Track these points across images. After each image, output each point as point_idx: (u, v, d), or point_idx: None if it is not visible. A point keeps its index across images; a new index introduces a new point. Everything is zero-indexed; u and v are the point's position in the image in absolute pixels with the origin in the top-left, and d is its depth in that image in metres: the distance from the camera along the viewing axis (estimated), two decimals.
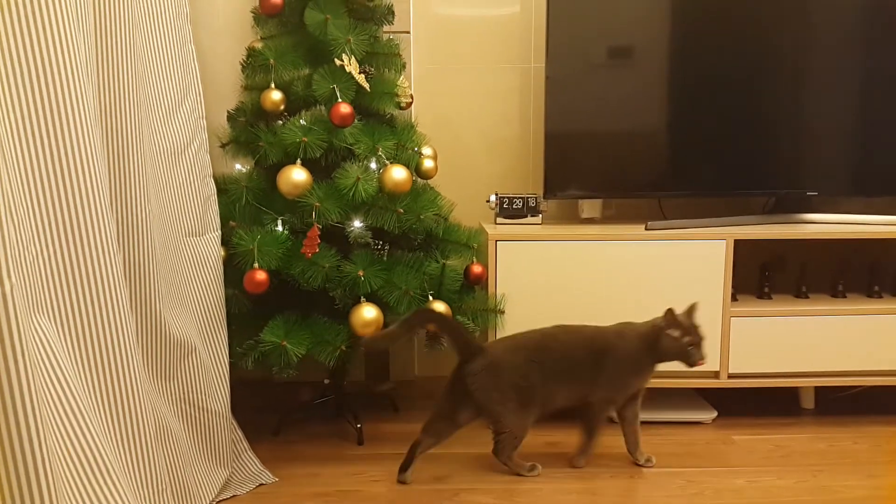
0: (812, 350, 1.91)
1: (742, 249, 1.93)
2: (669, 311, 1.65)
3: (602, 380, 1.70)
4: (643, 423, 1.98)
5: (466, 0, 2.29)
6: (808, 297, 2.07)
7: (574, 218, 2.24)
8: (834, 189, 2.15)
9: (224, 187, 1.78)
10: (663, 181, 2.13)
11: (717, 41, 2.08)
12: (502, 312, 1.92)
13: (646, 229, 1.97)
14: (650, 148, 2.13)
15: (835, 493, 1.62)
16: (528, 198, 2.08)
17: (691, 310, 1.67)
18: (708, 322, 1.76)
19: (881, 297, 2.06)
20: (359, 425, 1.90)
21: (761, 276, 2.08)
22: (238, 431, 1.72)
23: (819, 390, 2.13)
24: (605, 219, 2.21)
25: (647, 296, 1.85)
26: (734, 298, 1.98)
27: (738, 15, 2.07)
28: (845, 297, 2.07)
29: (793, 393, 2.14)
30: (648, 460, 1.77)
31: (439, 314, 1.71)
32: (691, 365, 1.66)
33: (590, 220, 2.19)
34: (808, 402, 2.14)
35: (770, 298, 2.07)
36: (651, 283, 1.91)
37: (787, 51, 2.09)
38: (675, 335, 1.65)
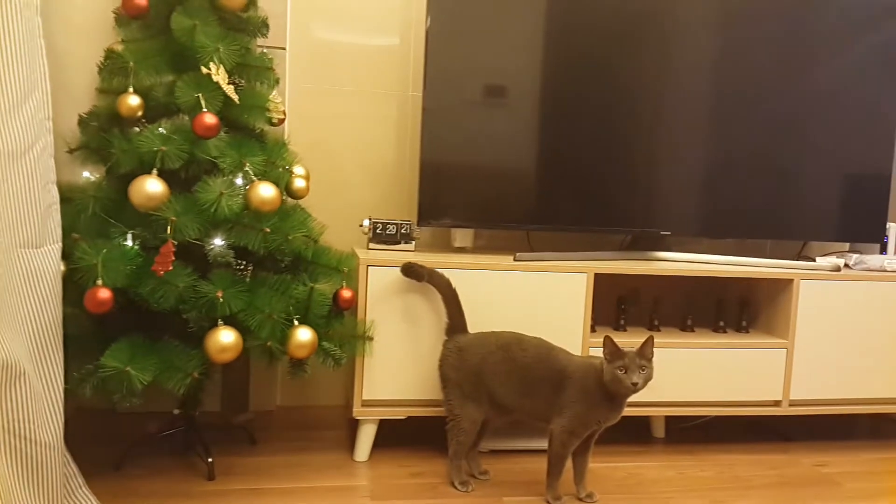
0: (663, 381, 2.01)
1: (601, 283, 2.01)
2: (606, 338, 1.64)
3: (560, 408, 1.69)
4: (494, 451, 2.00)
5: (346, 27, 2.27)
6: (659, 330, 2.19)
7: (447, 246, 2.24)
8: (685, 230, 2.29)
9: (69, 196, 1.62)
10: (531, 215, 2.19)
11: (586, 87, 2.18)
12: (371, 339, 1.88)
13: (514, 260, 2.00)
14: (520, 183, 2.18)
15: None
16: (402, 224, 2.07)
17: (645, 342, 1.63)
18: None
19: (726, 331, 2.20)
20: (210, 459, 1.78)
21: (618, 308, 2.17)
22: (72, 465, 1.55)
23: (669, 420, 2.24)
24: (477, 248, 2.24)
25: (515, 324, 1.87)
26: (593, 329, 2.05)
27: (606, 64, 2.19)
28: (693, 331, 2.20)
29: (644, 422, 2.24)
30: (590, 496, 1.76)
31: (442, 277, 1.86)
32: (626, 390, 1.62)
33: (462, 249, 2.21)
34: (659, 432, 2.24)
35: (625, 330, 2.17)
36: (518, 312, 1.94)
37: (648, 101, 2.23)
38: (608, 361, 1.63)
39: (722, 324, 2.21)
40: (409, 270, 1.87)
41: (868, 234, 2.39)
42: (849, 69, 2.31)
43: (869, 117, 2.33)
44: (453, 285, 1.86)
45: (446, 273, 1.87)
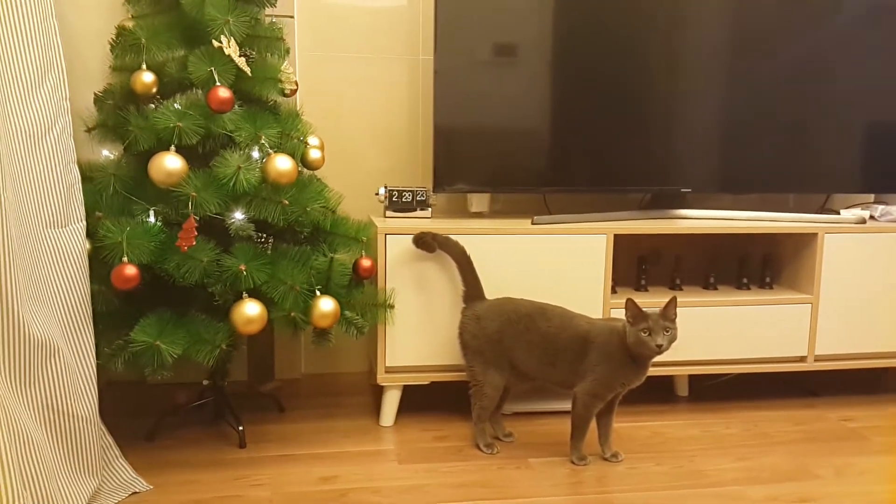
0: (686, 340, 1.99)
1: (621, 243, 2.00)
2: (629, 301, 1.63)
3: (584, 372, 1.70)
4: (517, 413, 2.01)
5: None
6: (681, 289, 2.18)
7: (463, 212, 2.24)
8: (706, 186, 2.27)
9: (89, 175, 1.65)
10: (548, 177, 2.18)
11: (598, 43, 2.14)
12: (392, 307, 1.89)
13: (532, 224, 2.00)
14: (535, 144, 2.16)
15: (709, 477, 1.70)
16: (417, 191, 2.07)
17: (669, 303, 1.63)
18: (590, 314, 1.81)
19: (749, 288, 2.19)
20: (240, 427, 1.82)
21: (638, 268, 2.16)
22: (108, 437, 1.60)
23: (692, 378, 2.24)
24: (494, 213, 2.24)
25: (534, 288, 1.88)
26: (613, 290, 2.04)
27: (619, 18, 2.14)
28: (716, 288, 2.18)
29: (668, 381, 2.25)
30: (615, 455, 1.78)
31: (456, 245, 1.85)
32: (651, 352, 1.62)
33: (478, 215, 2.21)
34: (683, 390, 2.25)
35: (647, 290, 2.16)
36: (537, 276, 1.94)
37: (663, 55, 2.18)
38: (631, 323, 1.63)
39: (745, 281, 2.19)
40: (421, 242, 1.87)
41: (894, 185, 2.34)
42: (869, 12, 2.24)
43: (891, 62, 2.26)
44: (467, 252, 1.86)
45: (463, 239, 1.87)
